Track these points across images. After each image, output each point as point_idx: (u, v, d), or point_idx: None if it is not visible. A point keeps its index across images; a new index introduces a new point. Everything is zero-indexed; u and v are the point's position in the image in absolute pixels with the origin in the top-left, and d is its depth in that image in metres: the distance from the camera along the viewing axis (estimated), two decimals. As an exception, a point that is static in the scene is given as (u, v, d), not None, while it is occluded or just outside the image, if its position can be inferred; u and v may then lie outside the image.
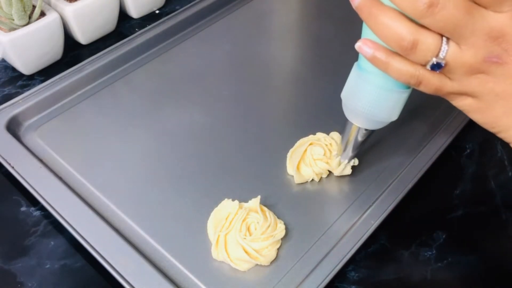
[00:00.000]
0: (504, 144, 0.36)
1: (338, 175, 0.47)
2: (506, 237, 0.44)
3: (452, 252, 0.43)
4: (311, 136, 0.49)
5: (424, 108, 0.53)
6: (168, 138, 0.52)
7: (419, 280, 0.41)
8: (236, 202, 0.43)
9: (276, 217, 0.43)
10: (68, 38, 0.62)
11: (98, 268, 0.40)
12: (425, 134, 0.51)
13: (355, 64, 0.37)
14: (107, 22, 0.64)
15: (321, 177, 0.47)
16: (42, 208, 0.45)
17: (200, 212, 0.44)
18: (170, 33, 0.64)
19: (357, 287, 0.41)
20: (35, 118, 0.54)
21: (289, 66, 0.62)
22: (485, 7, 0.27)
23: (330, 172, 0.47)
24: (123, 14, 0.67)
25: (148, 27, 0.63)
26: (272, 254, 0.41)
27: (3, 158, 0.48)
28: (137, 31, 0.63)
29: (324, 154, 0.46)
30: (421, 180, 0.47)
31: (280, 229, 0.42)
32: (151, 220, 0.44)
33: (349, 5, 0.31)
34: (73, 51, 0.63)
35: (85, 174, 0.48)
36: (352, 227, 0.43)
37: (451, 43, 0.28)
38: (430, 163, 0.48)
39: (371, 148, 0.50)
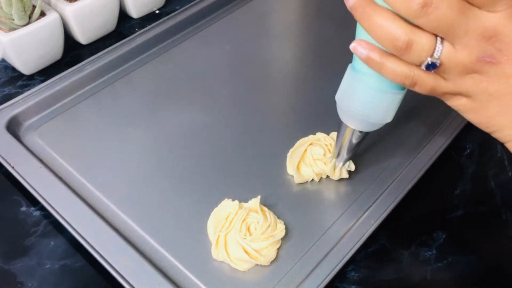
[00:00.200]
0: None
1: (336, 179, 0.47)
2: (506, 237, 0.44)
3: (452, 252, 0.43)
4: (311, 136, 0.49)
5: (423, 108, 0.53)
6: (168, 138, 0.52)
7: (419, 280, 0.41)
8: (236, 202, 0.43)
9: (276, 217, 0.43)
10: (68, 38, 0.62)
11: (98, 268, 0.40)
12: (425, 134, 0.51)
13: (349, 66, 0.37)
14: (107, 22, 0.64)
15: (321, 177, 0.47)
16: (42, 208, 0.45)
17: (200, 212, 0.44)
18: (170, 33, 0.64)
19: (357, 287, 0.41)
20: (35, 118, 0.54)
21: (289, 66, 0.62)
22: (478, 7, 0.27)
23: (330, 172, 0.47)
24: (123, 14, 0.67)
25: (148, 27, 0.63)
26: (272, 254, 0.41)
27: (3, 158, 0.48)
28: (137, 31, 0.63)
29: (324, 154, 0.46)
30: (421, 180, 0.47)
31: (280, 229, 0.42)
32: (151, 220, 0.44)
33: (349, 5, 0.31)
34: (73, 51, 0.63)
35: (85, 174, 0.48)
36: (352, 227, 0.43)
37: (446, 43, 0.28)
38: (430, 163, 0.48)
39: (371, 148, 0.50)
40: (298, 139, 0.49)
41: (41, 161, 0.48)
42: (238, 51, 0.63)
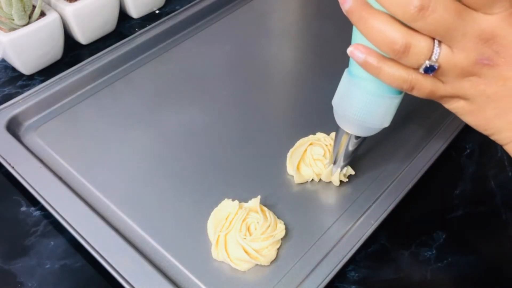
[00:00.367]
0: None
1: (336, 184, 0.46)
2: (506, 237, 0.44)
3: (452, 252, 0.43)
4: (311, 136, 0.49)
5: (423, 109, 0.53)
6: (168, 137, 0.52)
7: (419, 280, 0.41)
8: (236, 202, 0.43)
9: (276, 217, 0.43)
10: (68, 38, 0.62)
11: (98, 268, 0.40)
12: (425, 134, 0.51)
13: (346, 71, 0.36)
14: (107, 22, 0.64)
15: (320, 177, 0.47)
16: (42, 208, 0.45)
17: (200, 212, 0.44)
18: (170, 33, 0.64)
19: (357, 287, 0.41)
20: (35, 118, 0.54)
21: (289, 66, 0.62)
22: (475, 10, 0.27)
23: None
24: (123, 14, 0.67)
25: (148, 27, 0.63)
26: (272, 254, 0.41)
27: (3, 158, 0.48)
28: (137, 31, 0.63)
29: (324, 155, 0.46)
30: (421, 180, 0.47)
31: (280, 229, 0.42)
32: (151, 220, 0.44)
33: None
34: (73, 51, 0.63)
35: (85, 174, 0.48)
36: (352, 227, 0.43)
37: (443, 46, 0.28)
38: (430, 163, 0.48)
39: (371, 148, 0.50)
40: (298, 139, 0.49)
41: (41, 161, 0.48)
42: (238, 51, 0.63)
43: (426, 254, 0.43)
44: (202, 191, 0.46)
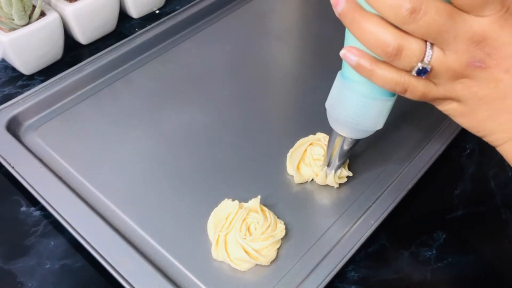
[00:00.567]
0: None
1: (334, 185, 0.46)
2: (506, 237, 0.44)
3: (452, 252, 0.43)
4: (311, 136, 0.49)
5: (423, 108, 0.53)
6: (168, 138, 0.52)
7: (419, 280, 0.41)
8: (236, 202, 0.43)
9: (276, 217, 0.43)
10: (68, 38, 0.62)
11: (98, 268, 0.40)
12: (425, 134, 0.51)
13: (339, 73, 0.37)
14: (107, 22, 0.64)
15: (316, 181, 0.47)
16: (42, 208, 0.45)
17: (200, 212, 0.44)
18: (170, 33, 0.64)
19: (357, 287, 0.41)
20: (35, 118, 0.54)
21: (289, 66, 0.62)
22: (467, 12, 0.27)
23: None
24: (123, 14, 0.67)
25: (148, 27, 0.63)
26: (272, 254, 0.41)
27: (3, 158, 0.48)
28: (137, 31, 0.63)
29: (324, 155, 0.46)
30: (421, 180, 0.47)
31: (280, 229, 0.42)
32: (151, 220, 0.44)
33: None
34: (73, 51, 0.63)
35: (85, 174, 0.48)
36: (352, 227, 0.43)
37: (435, 48, 0.28)
38: (430, 163, 0.48)
39: (371, 148, 0.50)
40: (298, 139, 0.49)
41: (41, 161, 0.48)
42: (238, 51, 0.63)
43: (426, 254, 0.43)
44: (202, 191, 0.46)
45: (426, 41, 0.28)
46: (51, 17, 0.57)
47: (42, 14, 0.57)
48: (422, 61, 0.29)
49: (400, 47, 0.28)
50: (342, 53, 0.31)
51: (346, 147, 0.41)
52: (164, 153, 0.50)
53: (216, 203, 0.44)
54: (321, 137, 0.48)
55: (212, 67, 0.60)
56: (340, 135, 0.40)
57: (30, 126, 0.53)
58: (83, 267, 0.42)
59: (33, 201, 0.46)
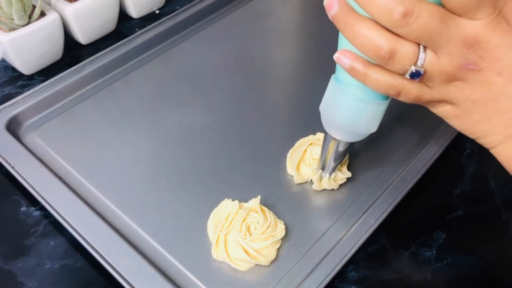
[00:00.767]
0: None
1: (325, 188, 0.46)
2: (506, 237, 0.44)
3: (452, 252, 0.43)
4: (311, 136, 0.49)
5: (423, 108, 0.52)
6: (168, 138, 0.52)
7: (419, 280, 0.41)
8: (236, 202, 0.43)
9: (276, 217, 0.43)
10: (68, 38, 0.62)
11: (98, 268, 0.40)
12: (425, 134, 0.51)
13: (333, 77, 0.37)
14: (107, 22, 0.64)
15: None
16: (42, 208, 0.45)
17: (200, 212, 0.44)
18: (170, 33, 0.64)
19: (357, 287, 0.41)
20: (35, 118, 0.54)
21: (289, 66, 0.62)
22: (459, 15, 0.27)
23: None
24: (123, 14, 0.67)
25: (148, 27, 0.63)
26: (272, 254, 0.41)
27: (3, 158, 0.48)
28: (137, 31, 0.63)
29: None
30: (421, 180, 0.47)
31: (280, 229, 0.42)
32: (151, 220, 0.44)
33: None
34: (73, 51, 0.63)
35: (85, 174, 0.48)
36: (352, 227, 0.43)
37: (428, 51, 0.29)
38: (430, 163, 0.48)
39: (371, 148, 0.50)
40: (298, 139, 0.49)
41: (41, 161, 0.48)
42: (238, 51, 0.63)
43: (426, 254, 0.43)
44: (202, 191, 0.46)
45: (419, 44, 0.28)
46: (51, 17, 0.57)
47: (42, 14, 0.57)
48: (415, 64, 0.29)
49: (393, 50, 0.28)
50: (335, 56, 0.32)
51: (340, 150, 0.41)
52: (164, 153, 0.50)
53: (216, 203, 0.44)
54: (321, 137, 0.48)
55: (212, 67, 0.60)
56: (334, 138, 0.40)
57: (30, 126, 0.53)
58: (83, 267, 0.42)
59: (33, 201, 0.46)
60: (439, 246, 0.43)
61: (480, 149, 0.51)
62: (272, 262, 0.41)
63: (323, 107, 0.38)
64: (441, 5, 0.27)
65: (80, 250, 0.42)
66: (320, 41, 0.65)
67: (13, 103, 0.53)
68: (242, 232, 0.41)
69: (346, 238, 0.42)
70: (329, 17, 0.30)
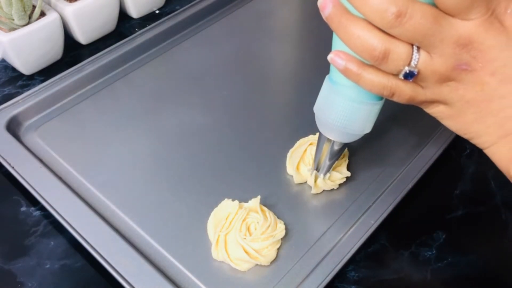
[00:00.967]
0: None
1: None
2: (506, 237, 0.44)
3: (452, 252, 0.43)
4: (311, 136, 0.49)
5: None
6: (168, 138, 0.52)
7: (419, 280, 0.41)
8: (236, 202, 0.43)
9: (276, 217, 0.43)
10: (68, 38, 0.62)
11: (98, 268, 0.40)
12: (425, 134, 0.51)
13: (327, 77, 0.37)
14: (107, 22, 0.64)
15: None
16: (42, 208, 0.45)
17: (200, 212, 0.44)
18: (170, 33, 0.64)
19: (357, 287, 0.41)
20: (35, 118, 0.54)
21: (289, 66, 0.62)
22: (452, 16, 0.27)
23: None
24: (123, 14, 0.67)
25: (148, 27, 0.63)
26: (272, 254, 0.41)
27: (3, 158, 0.48)
28: (137, 31, 0.63)
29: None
30: (421, 180, 0.47)
31: (280, 229, 0.42)
32: (151, 220, 0.44)
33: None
34: (73, 51, 0.63)
35: (85, 174, 0.48)
36: (352, 227, 0.43)
37: (422, 52, 0.29)
38: (430, 163, 0.48)
39: (371, 148, 0.50)
40: (298, 139, 0.49)
41: (41, 161, 0.48)
42: (238, 51, 0.63)
43: (426, 254, 0.43)
44: (202, 191, 0.46)
45: (412, 45, 0.28)
46: (51, 17, 0.57)
47: (42, 14, 0.57)
48: (409, 64, 0.29)
49: (387, 51, 0.28)
50: (329, 57, 0.32)
51: (334, 151, 0.41)
52: (164, 153, 0.50)
53: (216, 203, 0.44)
54: (321, 137, 0.48)
55: (212, 67, 0.60)
56: (328, 139, 0.40)
57: (30, 126, 0.53)
58: (83, 267, 0.42)
59: (33, 201, 0.46)
60: (439, 246, 0.43)
61: (480, 149, 0.51)
62: (272, 262, 0.41)
63: (317, 108, 0.38)
64: (434, 5, 0.27)
65: (80, 250, 0.42)
66: (320, 41, 0.65)
67: (13, 103, 0.53)
68: (242, 232, 0.41)
69: (346, 238, 0.42)
70: (323, 17, 0.30)
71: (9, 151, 0.48)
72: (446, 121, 0.33)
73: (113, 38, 0.64)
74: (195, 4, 0.67)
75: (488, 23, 0.27)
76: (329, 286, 0.40)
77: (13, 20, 0.54)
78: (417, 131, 0.52)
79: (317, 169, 0.44)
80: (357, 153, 0.49)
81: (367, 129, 0.37)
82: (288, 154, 0.48)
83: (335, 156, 0.42)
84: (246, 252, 0.40)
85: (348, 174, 0.46)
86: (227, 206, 0.43)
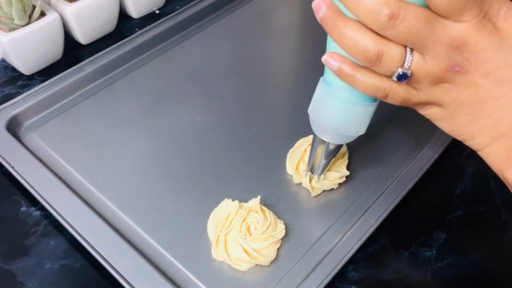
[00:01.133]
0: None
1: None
2: (506, 237, 0.44)
3: (452, 252, 0.43)
4: (311, 136, 0.49)
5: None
6: (168, 138, 0.52)
7: (419, 280, 0.41)
8: (236, 202, 0.43)
9: (276, 217, 0.43)
10: (68, 38, 0.62)
11: (98, 268, 0.40)
12: (425, 134, 0.51)
13: (321, 79, 0.37)
14: (107, 22, 0.64)
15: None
16: (42, 208, 0.45)
17: (200, 212, 0.44)
18: (170, 33, 0.64)
19: (357, 287, 0.41)
20: (35, 118, 0.54)
21: (289, 66, 0.62)
22: (445, 17, 0.27)
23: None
24: (123, 14, 0.67)
25: (148, 27, 0.63)
26: (272, 254, 0.41)
27: (3, 158, 0.48)
28: (137, 31, 0.63)
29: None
30: (421, 180, 0.47)
31: (280, 229, 0.42)
32: (151, 220, 0.44)
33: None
34: (73, 51, 0.63)
35: (85, 174, 0.48)
36: (352, 227, 0.43)
37: (415, 53, 0.29)
38: (430, 163, 0.48)
39: (371, 148, 0.50)
40: (298, 139, 0.49)
41: (41, 161, 0.48)
42: (238, 51, 0.63)
43: (426, 254, 0.43)
44: (202, 191, 0.46)
45: (406, 47, 0.28)
46: (51, 17, 0.57)
47: (42, 14, 0.57)
48: (402, 66, 0.29)
49: (380, 53, 0.28)
50: (323, 58, 0.32)
51: (328, 152, 0.42)
52: (164, 153, 0.50)
53: (216, 203, 0.44)
54: (321, 137, 0.48)
55: (212, 67, 0.60)
56: (322, 140, 0.40)
57: (30, 126, 0.53)
58: (83, 267, 0.42)
59: (33, 201, 0.46)
60: (439, 246, 0.43)
61: (480, 149, 0.51)
62: (272, 262, 0.41)
63: (312, 109, 0.38)
64: (427, 7, 0.27)
65: (80, 250, 0.42)
66: (320, 41, 0.64)
67: (13, 103, 0.53)
68: (242, 232, 0.41)
69: (346, 238, 0.42)
70: (317, 19, 0.30)
71: (9, 151, 0.48)
72: (440, 122, 0.33)
73: (113, 38, 0.64)
74: (195, 4, 0.67)
75: (481, 25, 0.27)
76: (329, 286, 0.40)
77: (13, 20, 0.54)
78: (417, 131, 0.52)
79: (312, 170, 0.44)
80: (357, 153, 0.49)
81: (361, 130, 0.37)
82: (288, 154, 0.48)
83: (329, 157, 0.42)
84: (246, 252, 0.40)
85: (347, 173, 0.46)
86: (227, 206, 0.43)
